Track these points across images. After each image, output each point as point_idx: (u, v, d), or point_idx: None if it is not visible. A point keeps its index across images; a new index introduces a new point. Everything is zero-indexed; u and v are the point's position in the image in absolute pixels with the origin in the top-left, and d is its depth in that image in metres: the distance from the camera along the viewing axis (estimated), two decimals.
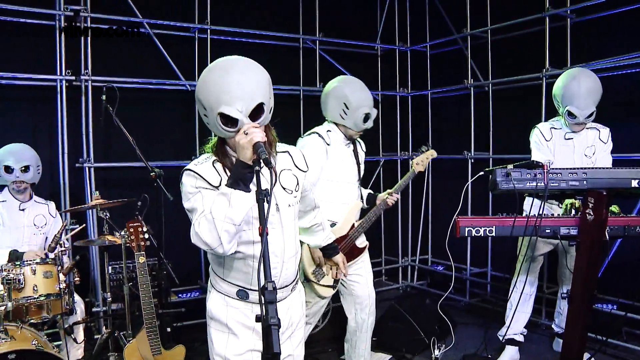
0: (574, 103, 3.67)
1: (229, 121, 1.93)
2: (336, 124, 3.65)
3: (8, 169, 3.69)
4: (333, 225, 3.54)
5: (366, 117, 3.59)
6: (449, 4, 5.81)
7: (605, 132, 3.87)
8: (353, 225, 3.68)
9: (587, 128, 3.86)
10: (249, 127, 1.89)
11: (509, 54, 5.35)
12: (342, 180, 3.64)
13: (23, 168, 3.73)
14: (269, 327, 1.57)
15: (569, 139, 3.87)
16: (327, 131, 3.60)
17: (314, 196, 2.49)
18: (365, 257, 3.80)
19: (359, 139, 3.84)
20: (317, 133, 3.56)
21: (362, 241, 3.76)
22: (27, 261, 3.33)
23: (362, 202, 3.84)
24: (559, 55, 4.69)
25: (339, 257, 2.86)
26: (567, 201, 3.33)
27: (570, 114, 3.69)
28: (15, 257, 3.50)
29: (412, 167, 3.93)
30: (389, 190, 3.84)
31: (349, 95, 3.56)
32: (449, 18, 5.76)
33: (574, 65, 4.55)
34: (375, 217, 3.76)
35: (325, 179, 3.54)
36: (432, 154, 3.98)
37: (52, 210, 4.00)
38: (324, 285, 3.50)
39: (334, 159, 3.56)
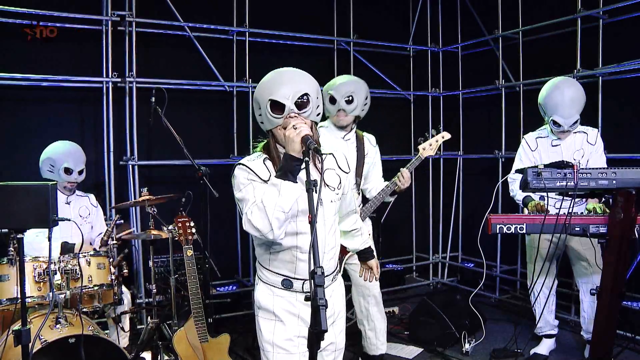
0: (558, 112, 3.71)
1: (277, 108, 2.11)
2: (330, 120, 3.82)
3: (68, 171, 3.86)
4: None
5: (331, 99, 3.74)
6: (481, 5, 5.87)
7: (593, 133, 3.88)
8: None
9: (574, 132, 3.88)
10: (297, 121, 2.05)
11: (540, 55, 5.38)
12: None
13: (80, 171, 3.93)
14: (318, 307, 1.72)
15: (556, 145, 3.90)
16: (319, 127, 3.72)
17: (352, 198, 2.57)
18: None
19: (367, 135, 3.91)
20: None
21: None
22: (82, 253, 3.52)
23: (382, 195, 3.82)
24: (591, 56, 4.70)
25: (374, 262, 2.79)
26: (590, 206, 3.41)
27: (555, 122, 3.75)
28: (67, 249, 3.70)
29: (418, 152, 3.81)
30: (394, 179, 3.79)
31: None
32: (481, 19, 5.82)
33: (605, 66, 4.59)
34: (374, 206, 3.78)
35: None
36: (442, 136, 3.85)
37: (93, 201, 4.18)
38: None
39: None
